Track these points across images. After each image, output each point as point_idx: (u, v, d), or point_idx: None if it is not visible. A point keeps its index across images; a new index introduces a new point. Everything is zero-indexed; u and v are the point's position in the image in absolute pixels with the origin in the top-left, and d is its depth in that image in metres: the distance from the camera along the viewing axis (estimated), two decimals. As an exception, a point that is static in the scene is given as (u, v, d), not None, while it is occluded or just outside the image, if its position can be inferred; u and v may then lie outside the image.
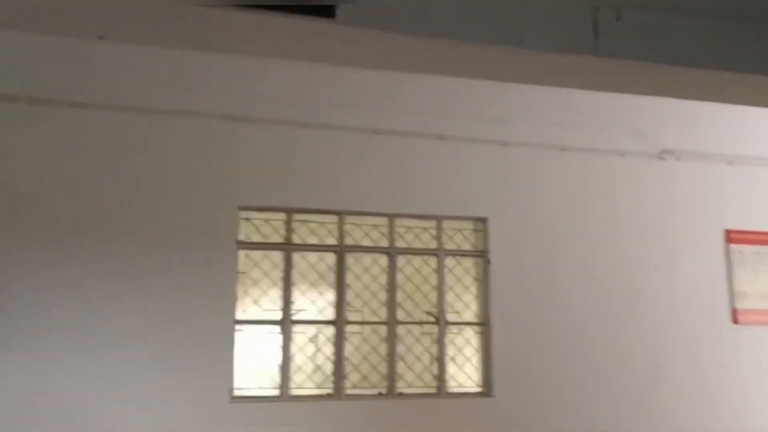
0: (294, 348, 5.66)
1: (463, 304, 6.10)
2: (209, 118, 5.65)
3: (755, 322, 6.57)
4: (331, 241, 5.92)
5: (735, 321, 6.53)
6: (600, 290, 6.26)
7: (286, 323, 5.64)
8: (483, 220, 6.19)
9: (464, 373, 5.97)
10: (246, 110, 5.71)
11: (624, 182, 6.57)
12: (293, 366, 5.62)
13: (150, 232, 5.42)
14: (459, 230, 6.22)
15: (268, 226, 5.83)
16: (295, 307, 5.72)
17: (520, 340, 5.99)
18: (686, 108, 6.80)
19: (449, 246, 6.15)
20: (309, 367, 5.72)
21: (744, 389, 6.43)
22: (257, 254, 5.77)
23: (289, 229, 5.82)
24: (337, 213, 5.92)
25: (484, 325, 6.03)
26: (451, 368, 5.93)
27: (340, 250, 5.87)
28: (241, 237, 5.71)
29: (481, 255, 6.15)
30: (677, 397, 6.26)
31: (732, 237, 6.71)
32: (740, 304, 6.57)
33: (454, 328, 6.02)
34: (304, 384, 5.62)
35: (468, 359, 6.00)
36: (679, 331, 6.38)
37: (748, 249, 6.73)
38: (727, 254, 6.68)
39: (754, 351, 6.54)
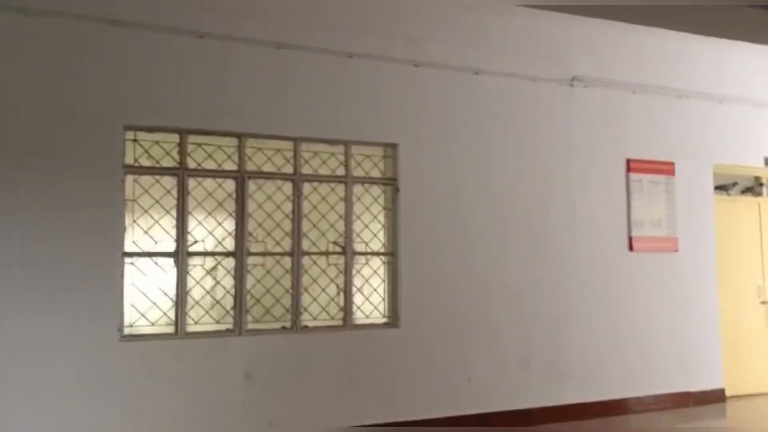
0: (190, 282, 5.23)
1: (371, 233, 5.86)
2: (89, 21, 4.90)
3: (648, 249, 6.80)
4: (231, 166, 5.43)
5: (630, 248, 6.72)
6: (508, 217, 6.21)
7: (180, 255, 5.19)
8: (393, 146, 5.89)
9: (371, 304, 5.80)
10: (131, 15, 5.00)
11: (534, 108, 6.43)
12: (189, 301, 5.21)
13: (25, 156, 4.71)
14: (368, 156, 5.89)
15: (159, 149, 5.25)
16: (191, 237, 5.26)
17: (427, 270, 5.86)
18: (597, 35, 6.74)
19: (357, 173, 5.83)
20: (207, 301, 5.33)
21: (638, 313, 6.71)
22: (147, 180, 5.20)
23: (183, 153, 5.26)
24: (237, 135, 5.41)
25: (391, 255, 5.84)
26: (357, 299, 5.73)
27: (241, 176, 5.41)
28: (129, 160, 5.11)
29: (391, 183, 5.88)
30: (581, 321, 6.43)
31: (632, 166, 6.81)
32: (636, 232, 6.75)
33: (361, 259, 5.79)
34: (201, 320, 5.24)
35: (375, 290, 5.82)
36: (582, 258, 6.49)
37: (646, 178, 6.87)
38: (627, 183, 6.79)
39: (647, 277, 6.79)
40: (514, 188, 6.27)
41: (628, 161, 6.81)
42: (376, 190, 5.90)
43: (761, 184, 7.67)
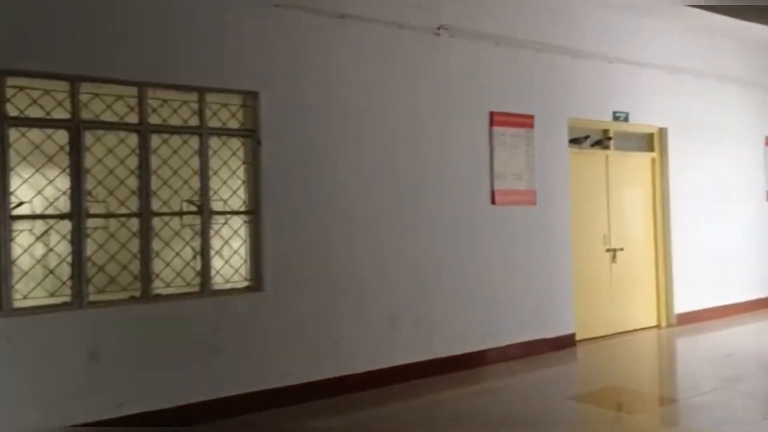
0: (16, 250, 4.49)
1: (230, 190, 5.36)
2: None
3: (509, 203, 6.87)
4: (62, 114, 4.67)
5: (493, 202, 6.75)
6: (375, 171, 5.95)
7: (2, 219, 4.41)
8: (253, 95, 5.37)
9: (231, 267, 5.34)
10: None
11: (402, 57, 6.16)
12: (16, 272, 4.48)
13: None
14: (225, 105, 5.34)
15: (-31, 93, 4.39)
16: (14, 198, 4.49)
17: (292, 229, 5.49)
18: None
19: (213, 124, 5.27)
20: (38, 272, 4.61)
21: (500, 266, 6.80)
22: (-46, 130, 4.34)
23: (1, 98, 4.43)
24: (69, 78, 4.64)
25: (253, 213, 5.39)
26: (216, 263, 5.25)
27: (75, 126, 4.67)
28: (-72, 106, 4.22)
29: (251, 134, 5.38)
30: (446, 276, 6.39)
31: (495, 119, 6.78)
32: (498, 185, 6.78)
33: (219, 218, 5.29)
34: (31, 294, 4.53)
35: (236, 252, 5.37)
36: (448, 212, 6.42)
37: (508, 131, 6.89)
38: (491, 136, 6.77)
39: (508, 230, 6.88)
40: (382, 140, 6.01)
41: (492, 114, 6.77)
42: (234, 142, 5.37)
43: (609, 138, 8.00)
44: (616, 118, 7.92)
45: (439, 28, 6.37)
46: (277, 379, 5.34)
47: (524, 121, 7.03)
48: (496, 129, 6.78)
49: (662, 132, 8.54)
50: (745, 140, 9.53)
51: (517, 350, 6.87)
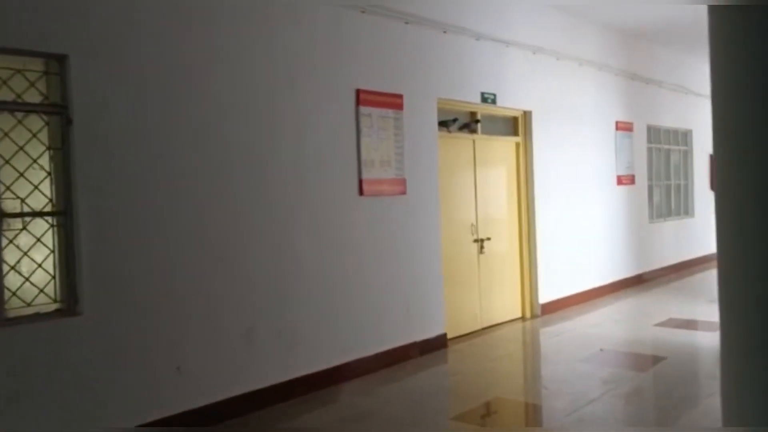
0: None
1: (30, 185, 4.06)
2: None
3: (378, 194, 6.09)
4: None
5: (361, 192, 5.93)
6: (222, 159, 4.89)
7: None
8: (60, 59, 4.09)
9: (35, 286, 4.07)
10: None
11: (250, 24, 5.11)
12: None
13: None
14: (20, 71, 4.01)
15: None
16: None
17: (118, 234, 4.30)
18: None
19: (4, 96, 3.94)
20: None
21: (368, 265, 6.02)
22: None
23: None
24: None
25: (63, 215, 4.13)
26: (12, 281, 3.96)
27: None
28: None
29: (59, 111, 4.11)
30: (308, 279, 5.49)
31: (362, 98, 5.95)
32: (366, 174, 5.97)
33: (15, 223, 3.99)
34: None
35: (40, 266, 4.09)
36: (310, 207, 5.51)
37: (376, 112, 6.08)
38: (357, 117, 5.93)
39: (377, 224, 6.11)
40: (229, 122, 4.95)
41: (358, 92, 5.93)
42: (35, 121, 4.07)
43: (477, 121, 7.47)
44: (484, 99, 7.40)
45: (298, -11, 5.39)
46: (99, 427, 4.17)
47: (393, 101, 6.26)
48: (363, 109, 5.95)
49: (527, 115, 8.19)
50: (600, 125, 9.51)
51: (387, 358, 6.16)
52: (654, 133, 11.21)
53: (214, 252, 4.82)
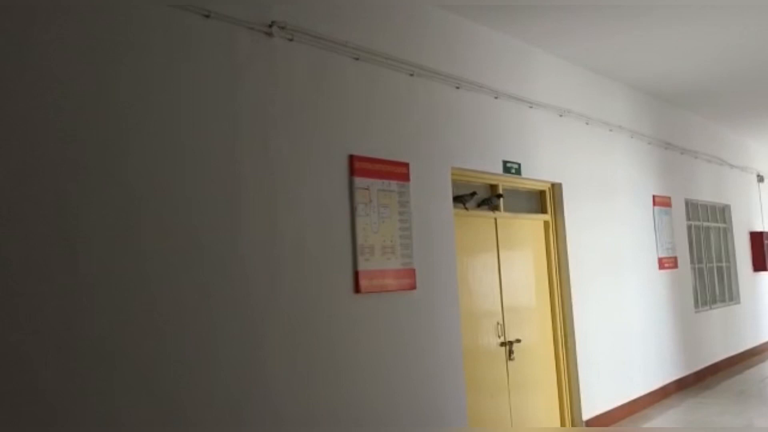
0: None
1: None
2: None
3: (380, 290, 4.65)
4: None
5: (357, 289, 4.50)
6: (154, 248, 3.48)
7: None
8: None
9: None
10: None
11: (205, 63, 3.83)
12: None
13: None
14: None
15: None
16: None
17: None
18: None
19: None
20: None
21: (369, 383, 4.50)
22: None
23: None
24: None
25: None
26: None
27: None
28: None
29: None
30: (281, 405, 3.95)
31: (357, 166, 4.61)
32: (364, 264, 4.55)
33: None
34: None
35: None
36: (286, 310, 4.05)
37: (375, 184, 4.73)
38: (351, 190, 4.57)
39: (378, 329, 4.64)
40: (173, 193, 3.58)
41: (352, 159, 4.59)
42: None
43: (499, 196, 6.12)
44: (507, 169, 6.08)
45: (271, 25, 4.14)
46: None
47: (397, 171, 4.92)
48: (359, 181, 4.60)
49: (556, 188, 6.85)
50: (636, 199, 8.17)
51: None
52: (692, 209, 9.86)
53: (128, 382, 3.32)
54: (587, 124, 7.29)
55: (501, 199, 6.14)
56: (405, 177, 4.97)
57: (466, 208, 5.77)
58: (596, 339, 6.96)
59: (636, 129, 8.25)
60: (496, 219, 6.16)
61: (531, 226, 6.64)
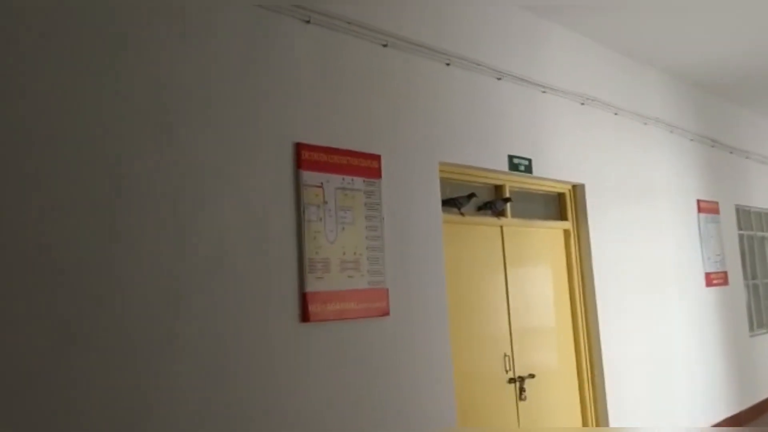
0: None
1: None
2: None
3: (335, 318, 3.59)
4: None
5: (305, 317, 3.44)
6: (88, 267, 2.50)
7: None
8: None
9: None
10: None
11: (99, 36, 2.86)
12: None
13: None
14: None
15: None
16: None
17: None
18: None
19: None
20: None
21: (318, 409, 3.43)
22: None
23: None
24: None
25: None
26: None
27: None
28: None
29: None
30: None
31: (305, 157, 3.58)
32: (313, 286, 3.50)
33: None
34: None
35: None
36: (200, 349, 3.01)
37: (332, 181, 3.69)
38: (298, 189, 3.54)
39: (337, 369, 3.57)
40: (113, 208, 2.60)
41: (299, 148, 3.56)
42: None
43: (506, 199, 5.02)
44: (514, 166, 4.98)
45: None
46: None
47: (363, 165, 3.87)
48: (309, 176, 3.57)
49: (577, 191, 5.72)
50: (677, 205, 6.94)
51: None
52: (744, 217, 8.56)
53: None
54: (616, 114, 6.14)
55: (508, 204, 5.03)
56: (375, 173, 3.92)
57: (462, 213, 4.68)
58: (630, 372, 5.76)
59: (676, 123, 7.04)
60: (502, 227, 5.05)
61: (547, 235, 5.50)
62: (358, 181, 3.81)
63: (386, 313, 3.84)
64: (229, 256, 3.17)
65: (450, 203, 4.60)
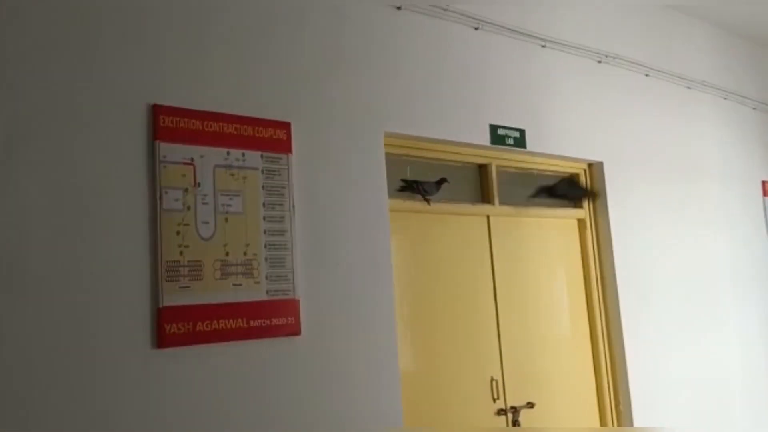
0: None
1: None
2: None
3: (217, 338, 2.64)
4: None
5: (161, 341, 2.50)
6: None
7: None
8: None
9: None
10: None
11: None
12: None
13: None
14: None
15: None
16: None
17: None
18: None
19: None
20: None
21: None
22: None
23: None
24: None
25: None
26: None
27: None
28: None
29: None
30: None
31: (162, 123, 2.64)
32: (177, 296, 2.56)
33: None
34: None
35: None
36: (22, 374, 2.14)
37: (210, 156, 2.74)
38: (154, 166, 2.60)
39: (195, 403, 2.61)
40: None
41: (156, 111, 2.62)
42: None
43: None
44: (498, 139, 3.89)
45: None
46: None
47: (262, 136, 2.90)
48: (169, 148, 2.63)
49: (594, 170, 4.56)
50: (731, 186, 5.61)
51: None
52: (825, 203, 7.07)
53: None
54: (647, 76, 4.93)
55: (494, 186, 3.95)
56: (282, 145, 2.94)
57: (428, 201, 3.64)
58: (666, 398, 4.54)
59: (731, 88, 5.73)
60: (488, 217, 3.97)
61: (555, 227, 4.38)
62: (253, 157, 2.84)
63: (296, 332, 2.86)
64: (33, 259, 2.27)
65: (411, 188, 3.57)
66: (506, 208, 4.04)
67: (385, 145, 3.39)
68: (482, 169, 4.00)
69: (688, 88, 5.30)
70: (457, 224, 3.82)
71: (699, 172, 5.25)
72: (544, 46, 4.22)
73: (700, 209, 5.18)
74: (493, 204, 3.98)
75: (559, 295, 4.32)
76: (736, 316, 5.32)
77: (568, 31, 4.38)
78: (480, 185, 4.01)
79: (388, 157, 3.39)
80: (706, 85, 5.45)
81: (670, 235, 4.84)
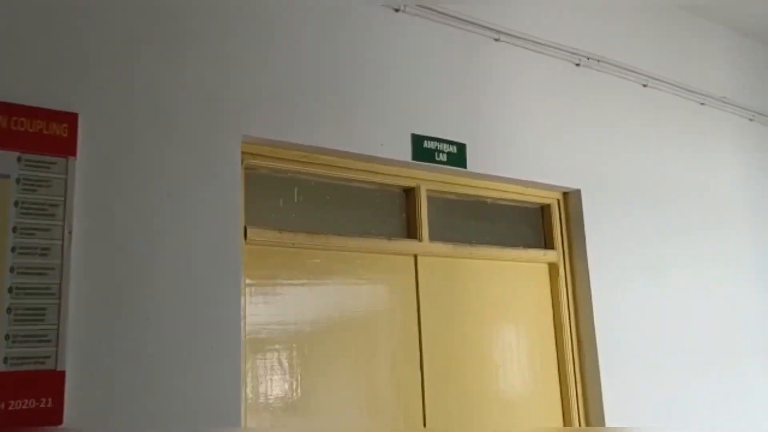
0: None
1: None
2: None
3: None
4: None
5: None
6: None
7: None
8: None
9: None
10: None
11: None
12: None
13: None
14: None
15: None
16: None
17: None
18: None
19: None
20: None
21: None
22: None
23: None
24: None
25: None
26: None
27: None
28: None
29: None
30: None
31: None
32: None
33: None
34: None
35: None
36: None
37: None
38: None
39: None
40: None
41: None
42: None
43: (415, 204, 2.96)
44: (423, 154, 2.92)
45: None
46: None
47: (18, 129, 2.00)
48: None
49: (570, 200, 3.55)
50: (757, 225, 4.50)
51: None
52: None
53: None
54: (645, 86, 3.93)
55: (423, 217, 2.98)
56: (58, 145, 2.04)
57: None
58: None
59: (755, 107, 4.66)
60: (416, 256, 2.99)
61: (518, 272, 3.35)
62: (3, 159, 1.94)
63: (55, 422, 1.90)
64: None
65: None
66: (440, 246, 3.05)
67: (253, 155, 2.48)
68: (408, 195, 3.04)
69: (702, 104, 4.27)
70: (372, 265, 2.84)
71: (714, 207, 4.17)
72: (497, 40, 3.28)
73: (716, 252, 4.08)
74: (420, 240, 2.99)
75: (521, 363, 3.27)
76: (765, 387, 4.16)
77: (536, 24, 3.44)
78: (405, 215, 3.04)
79: (258, 171, 2.47)
80: (725, 102, 4.40)
81: (672, 284, 3.76)
